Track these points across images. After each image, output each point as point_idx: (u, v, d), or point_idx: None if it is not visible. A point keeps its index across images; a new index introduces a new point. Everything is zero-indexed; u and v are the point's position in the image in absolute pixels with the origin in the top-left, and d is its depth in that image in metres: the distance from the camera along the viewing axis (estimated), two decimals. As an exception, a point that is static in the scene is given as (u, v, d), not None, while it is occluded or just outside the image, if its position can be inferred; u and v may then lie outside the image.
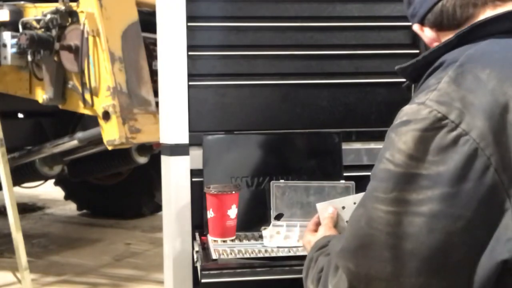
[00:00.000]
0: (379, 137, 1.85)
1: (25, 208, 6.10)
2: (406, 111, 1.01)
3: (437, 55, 1.08)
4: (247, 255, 1.75)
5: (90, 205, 5.91)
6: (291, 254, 1.75)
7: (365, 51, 2.20)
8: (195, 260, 1.86)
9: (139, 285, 3.96)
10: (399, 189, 0.97)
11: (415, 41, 2.19)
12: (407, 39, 2.22)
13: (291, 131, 2.13)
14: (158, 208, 5.38)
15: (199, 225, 2.02)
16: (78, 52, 3.41)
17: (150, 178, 5.13)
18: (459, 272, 0.96)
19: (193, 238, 1.99)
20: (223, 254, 1.75)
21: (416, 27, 1.20)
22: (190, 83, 2.07)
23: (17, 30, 3.57)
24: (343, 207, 1.51)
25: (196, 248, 1.87)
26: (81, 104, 3.50)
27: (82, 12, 3.42)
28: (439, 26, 1.14)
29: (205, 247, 1.85)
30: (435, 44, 1.14)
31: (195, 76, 2.10)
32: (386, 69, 2.17)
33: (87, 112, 3.54)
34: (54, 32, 3.47)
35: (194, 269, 1.95)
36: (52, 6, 3.50)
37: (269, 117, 2.16)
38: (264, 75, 2.16)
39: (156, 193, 5.28)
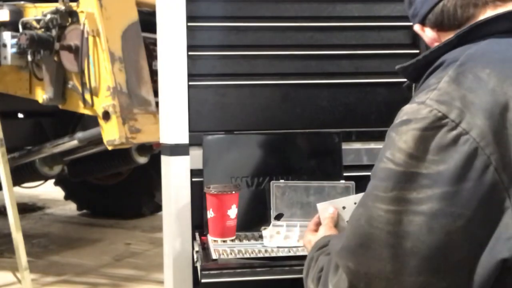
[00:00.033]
0: (379, 137, 1.85)
1: (25, 208, 6.10)
2: (407, 111, 1.02)
3: (438, 54, 1.08)
4: (247, 255, 1.75)
5: (90, 205, 5.91)
6: (291, 254, 1.75)
7: (365, 51, 2.20)
8: (195, 260, 1.86)
9: (139, 285, 3.96)
10: (399, 188, 0.97)
11: (415, 41, 2.19)
12: (407, 39, 2.22)
13: (291, 131, 2.13)
14: (158, 208, 5.38)
15: (199, 225, 2.02)
16: (78, 52, 3.41)
17: (150, 178, 5.13)
18: (459, 271, 0.96)
19: (193, 238, 1.99)
20: (223, 254, 1.75)
21: (417, 27, 1.20)
22: (190, 83, 2.07)
23: (17, 30, 3.57)
24: (344, 207, 1.51)
25: (196, 248, 1.87)
26: (81, 104, 3.50)
27: (82, 12, 3.43)
28: (440, 26, 1.14)
29: (205, 247, 1.85)
30: (436, 44, 1.14)
31: (195, 76, 2.10)
32: (386, 69, 2.17)
33: (87, 112, 3.54)
34: (54, 32, 3.47)
35: (194, 269, 1.95)
36: (52, 6, 3.50)
37: (269, 117, 2.16)
38: (264, 75, 2.16)
39: (156, 193, 5.28)
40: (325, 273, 1.11)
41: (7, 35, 3.57)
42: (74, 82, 3.51)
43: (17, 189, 4.55)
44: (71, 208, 6.13)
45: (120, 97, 3.40)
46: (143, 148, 4.47)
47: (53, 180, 5.54)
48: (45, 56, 3.51)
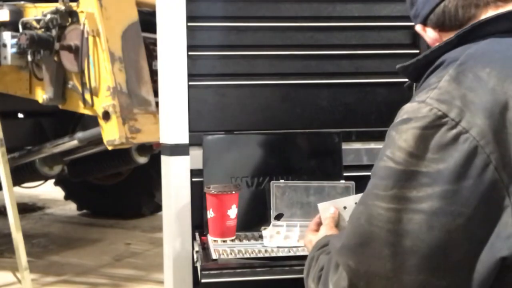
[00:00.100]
0: (379, 137, 1.85)
1: (25, 208, 6.10)
2: (407, 109, 1.02)
3: (438, 54, 1.09)
4: (247, 255, 1.75)
5: (90, 205, 5.92)
6: (291, 254, 1.75)
7: (365, 51, 2.20)
8: (195, 260, 1.86)
9: (139, 285, 3.96)
10: (399, 186, 0.98)
11: (415, 41, 2.19)
12: (407, 39, 2.22)
13: (291, 131, 2.13)
14: (158, 208, 5.38)
15: (199, 225, 2.01)
16: (78, 52, 3.41)
17: (150, 178, 5.13)
18: (459, 270, 0.96)
19: (193, 238, 1.99)
20: (223, 254, 1.75)
21: (418, 28, 1.20)
22: (190, 83, 2.07)
23: (17, 30, 3.57)
24: (345, 207, 1.51)
25: (196, 248, 1.87)
26: (81, 104, 3.50)
27: (82, 12, 3.43)
28: (441, 26, 1.14)
29: (205, 247, 1.85)
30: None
31: (195, 76, 2.10)
32: (386, 69, 2.17)
33: (87, 112, 3.54)
34: (54, 32, 3.47)
35: (194, 269, 1.94)
36: (52, 6, 3.50)
37: (269, 117, 2.16)
38: (264, 75, 2.16)
39: (156, 193, 5.28)
40: (325, 272, 1.12)
41: (7, 35, 3.57)
42: (74, 82, 3.51)
43: (17, 189, 4.55)
44: (71, 208, 6.13)
45: (120, 97, 3.40)
46: (143, 148, 4.47)
47: (53, 180, 5.54)
48: (45, 56, 3.51)
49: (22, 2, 3.76)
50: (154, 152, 4.44)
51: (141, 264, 4.40)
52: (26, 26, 3.56)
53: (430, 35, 1.18)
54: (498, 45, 1.04)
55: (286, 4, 2.15)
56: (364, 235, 1.02)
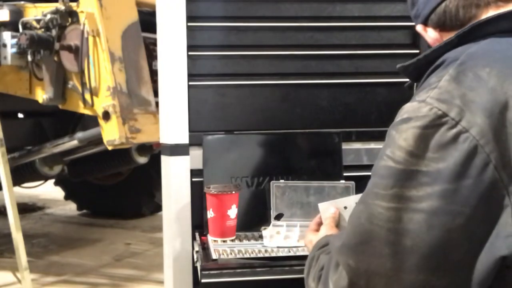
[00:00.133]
0: (379, 137, 1.85)
1: (25, 208, 6.10)
2: (407, 109, 1.02)
3: (438, 53, 1.09)
4: (247, 255, 1.75)
5: (90, 205, 5.92)
6: (291, 254, 1.75)
7: (365, 51, 2.20)
8: (195, 260, 1.86)
9: (139, 285, 3.96)
10: (399, 185, 0.98)
11: (415, 41, 2.19)
12: (407, 39, 2.22)
13: (291, 131, 2.13)
14: (158, 208, 5.38)
15: (199, 225, 2.01)
16: (78, 52, 3.41)
17: (150, 178, 5.13)
18: (458, 269, 0.96)
19: (193, 238, 1.99)
20: (223, 254, 1.75)
21: (419, 28, 1.20)
22: (190, 83, 2.07)
23: (17, 30, 3.57)
24: (345, 207, 1.51)
25: (196, 248, 1.87)
26: (81, 104, 3.50)
27: (82, 12, 3.43)
28: (442, 26, 1.14)
29: (205, 247, 1.85)
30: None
31: (195, 76, 2.10)
32: (386, 69, 2.17)
33: (87, 112, 3.54)
34: (54, 32, 3.48)
35: (194, 269, 1.94)
36: (52, 6, 3.50)
37: (269, 117, 2.16)
38: (264, 75, 2.16)
39: (156, 193, 5.28)
40: (325, 271, 1.12)
41: (7, 35, 3.57)
42: (74, 82, 3.51)
43: (17, 189, 4.55)
44: (71, 208, 6.13)
45: (120, 97, 3.40)
46: (143, 148, 4.47)
47: (53, 180, 5.54)
48: (45, 56, 3.51)
49: (22, 2, 3.76)
50: (154, 152, 4.44)
51: (141, 264, 4.41)
52: (26, 26, 3.56)
53: (431, 35, 1.18)
54: (498, 44, 1.04)
55: (286, 4, 2.15)
56: (364, 234, 1.02)
